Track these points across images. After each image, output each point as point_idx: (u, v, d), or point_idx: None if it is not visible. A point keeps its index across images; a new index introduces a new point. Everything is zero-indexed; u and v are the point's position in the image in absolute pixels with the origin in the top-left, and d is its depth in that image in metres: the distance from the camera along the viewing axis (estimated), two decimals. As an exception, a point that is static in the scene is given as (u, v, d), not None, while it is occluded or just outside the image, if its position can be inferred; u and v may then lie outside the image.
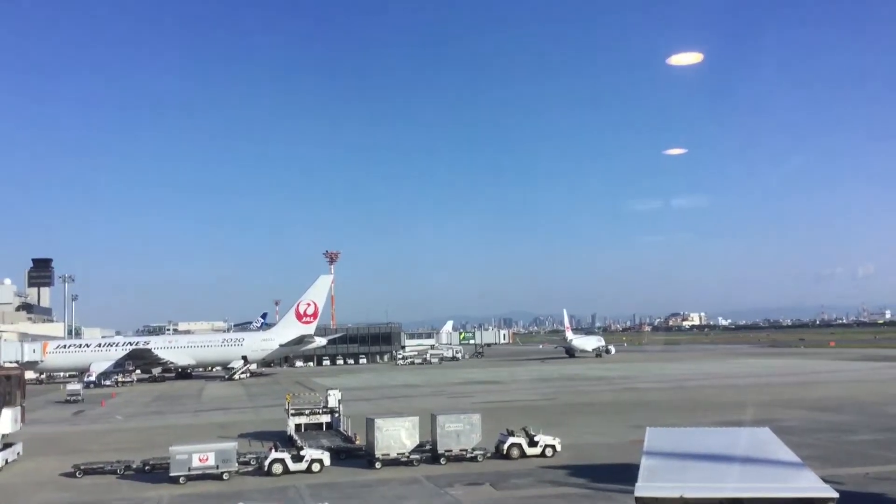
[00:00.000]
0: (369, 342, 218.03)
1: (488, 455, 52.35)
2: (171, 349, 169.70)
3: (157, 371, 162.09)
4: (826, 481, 17.73)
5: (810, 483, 17.85)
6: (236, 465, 49.78)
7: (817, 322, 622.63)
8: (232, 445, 51.20)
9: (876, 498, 38.11)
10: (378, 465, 51.11)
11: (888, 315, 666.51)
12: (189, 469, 48.49)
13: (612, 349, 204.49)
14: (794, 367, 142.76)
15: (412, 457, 51.62)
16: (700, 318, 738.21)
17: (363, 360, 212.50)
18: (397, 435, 52.23)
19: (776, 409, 73.61)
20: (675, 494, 17.54)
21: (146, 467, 51.68)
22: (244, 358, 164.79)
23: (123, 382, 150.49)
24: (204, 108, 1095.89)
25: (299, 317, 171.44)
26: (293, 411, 65.81)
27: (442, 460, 51.49)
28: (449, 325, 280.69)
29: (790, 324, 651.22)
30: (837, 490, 16.65)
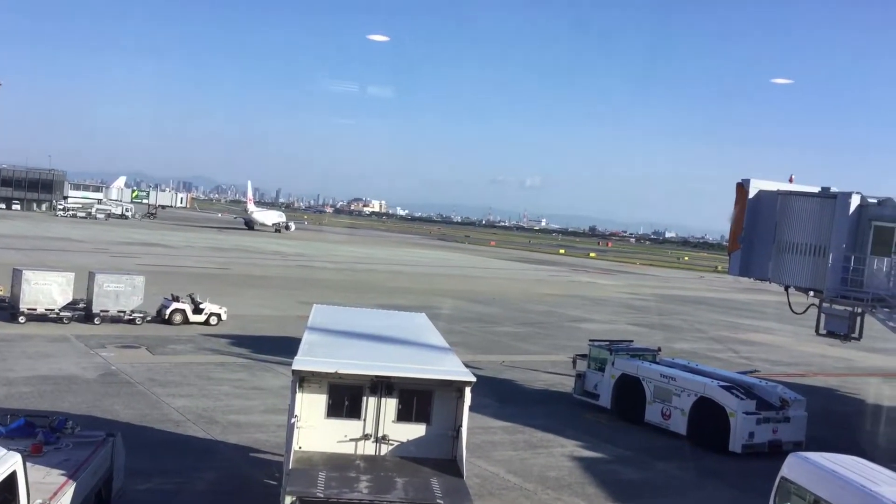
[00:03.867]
0: (26, 187, 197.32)
1: (148, 319, 50.45)
2: None
3: None
4: (468, 366, 19.28)
5: (453, 367, 19.28)
6: None
7: (483, 222, 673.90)
8: None
9: (506, 383, 42.87)
10: (22, 319, 47.05)
11: (544, 223, 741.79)
12: None
13: (293, 226, 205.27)
14: (457, 260, 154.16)
15: (63, 314, 48.17)
16: (380, 206, 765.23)
17: (17, 207, 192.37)
18: (48, 289, 48.20)
19: (435, 297, 79.13)
20: (331, 370, 18.07)
21: None
22: None
23: None
24: None
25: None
26: (-77, 253, 58.14)
27: (96, 320, 48.66)
28: (121, 181, 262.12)
29: (460, 220, 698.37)
30: (477, 375, 18.16)
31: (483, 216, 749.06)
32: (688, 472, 30.05)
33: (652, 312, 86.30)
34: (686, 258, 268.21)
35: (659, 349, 40.74)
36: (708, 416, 32.83)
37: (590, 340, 41.28)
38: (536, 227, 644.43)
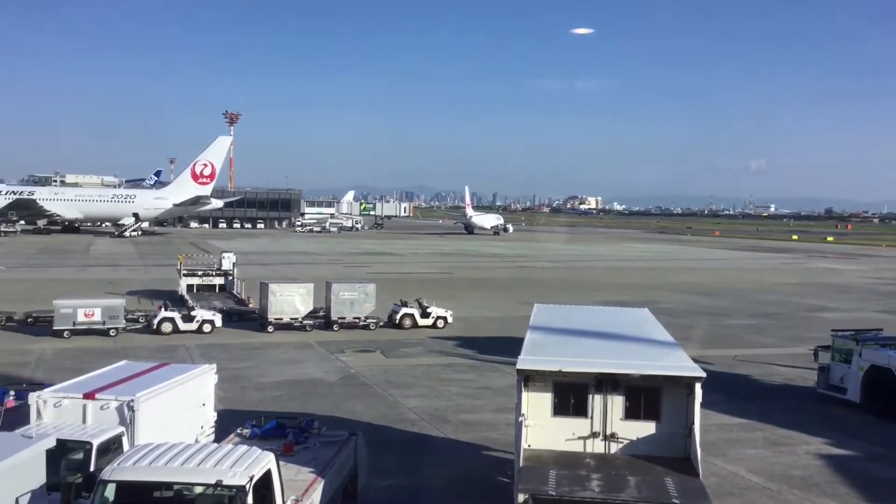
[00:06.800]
0: (268, 207, 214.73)
1: (381, 324, 53.10)
2: (58, 201, 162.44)
3: (42, 223, 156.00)
4: (697, 361, 18.63)
5: (681, 362, 18.72)
6: (124, 321, 48.86)
7: (705, 212, 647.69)
8: (119, 302, 50.12)
9: (740, 378, 40.84)
10: (270, 328, 51.20)
11: (772, 209, 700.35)
12: (74, 324, 47.22)
13: (511, 228, 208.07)
14: (680, 252, 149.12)
15: (305, 322, 51.87)
16: (597, 203, 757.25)
17: (261, 226, 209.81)
18: (291, 300, 52.18)
19: (658, 291, 77.02)
20: (555, 368, 18.15)
21: (29, 319, 50.26)
22: (135, 215, 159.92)
23: (6, 233, 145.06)
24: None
25: (195, 177, 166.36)
26: (185, 272, 64.81)
27: (335, 327, 51.98)
28: (350, 195, 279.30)
29: (680, 212, 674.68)
30: (706, 370, 17.51)
31: (705, 206, 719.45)
32: (956, 472, 27.13)
33: (903, 298, 78.76)
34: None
35: (914, 338, 37.13)
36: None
37: (832, 331, 38.39)
38: (764, 214, 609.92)
